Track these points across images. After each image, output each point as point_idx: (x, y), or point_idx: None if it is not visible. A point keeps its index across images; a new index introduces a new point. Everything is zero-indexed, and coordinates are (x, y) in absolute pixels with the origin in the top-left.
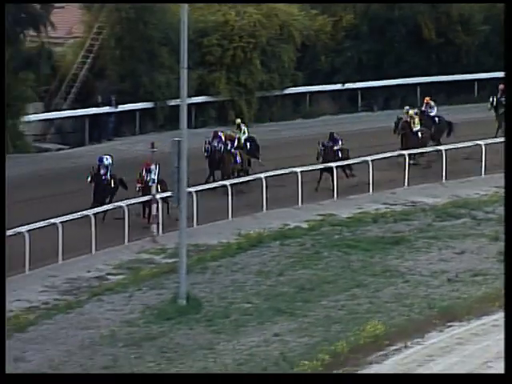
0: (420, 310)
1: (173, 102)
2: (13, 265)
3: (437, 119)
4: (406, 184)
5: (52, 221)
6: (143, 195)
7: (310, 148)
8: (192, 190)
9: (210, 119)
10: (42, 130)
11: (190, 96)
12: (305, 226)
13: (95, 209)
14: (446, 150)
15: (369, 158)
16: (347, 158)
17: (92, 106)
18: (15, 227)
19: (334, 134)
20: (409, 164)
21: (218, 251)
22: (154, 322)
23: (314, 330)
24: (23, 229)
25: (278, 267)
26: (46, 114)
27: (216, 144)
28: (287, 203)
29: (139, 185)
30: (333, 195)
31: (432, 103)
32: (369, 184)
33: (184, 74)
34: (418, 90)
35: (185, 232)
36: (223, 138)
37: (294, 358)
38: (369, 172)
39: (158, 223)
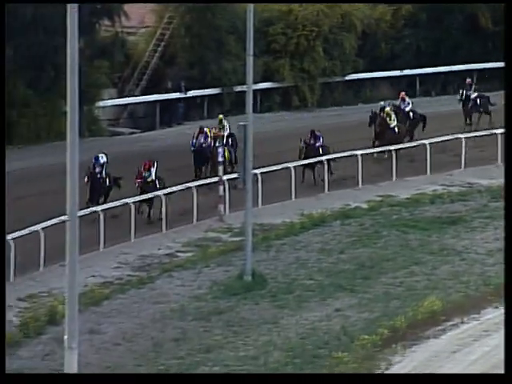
0: (476, 287)
1: (239, 88)
2: (88, 243)
3: (411, 114)
4: (462, 166)
5: (125, 200)
6: (142, 193)
7: (370, 131)
8: (257, 171)
9: (274, 104)
10: (115, 115)
11: (255, 82)
12: (365, 206)
13: (165, 190)
14: (500, 134)
15: (426, 142)
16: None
17: (162, 92)
18: (90, 207)
19: (316, 132)
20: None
21: (281, 230)
22: (221, 297)
23: (374, 305)
24: (98, 208)
25: (339, 245)
26: (119, 99)
27: (202, 140)
28: (348, 185)
29: (138, 180)
30: (391, 177)
31: (407, 98)
32: (426, 166)
33: (250, 61)
34: (475, 76)
35: (250, 212)
36: (209, 134)
37: (354, 332)
38: (426, 154)
39: (224, 203)
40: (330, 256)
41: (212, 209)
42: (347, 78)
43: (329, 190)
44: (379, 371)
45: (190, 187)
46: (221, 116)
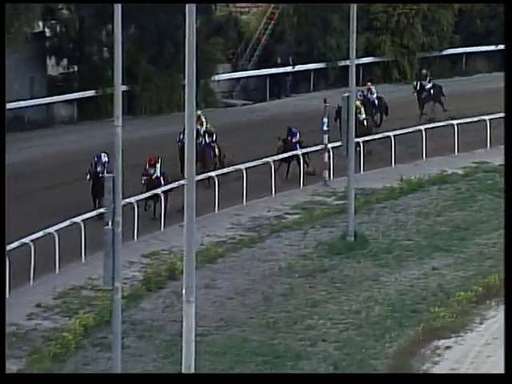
0: None
1: (343, 63)
2: (204, 206)
3: (376, 102)
4: None
5: (239, 167)
6: (148, 190)
7: (465, 103)
8: (359, 140)
9: (375, 77)
10: (229, 88)
11: (358, 57)
12: (460, 172)
13: (273, 157)
14: None
15: None
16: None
17: (272, 67)
18: (206, 172)
19: (292, 129)
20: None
21: (382, 194)
22: (326, 255)
23: (469, 264)
24: (213, 174)
25: (436, 209)
26: (232, 73)
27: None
28: (445, 152)
29: (144, 177)
30: (486, 145)
31: (372, 88)
32: None
33: (353, 37)
34: None
35: (353, 177)
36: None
37: (450, 290)
38: None
39: (329, 170)
40: (427, 218)
41: (317, 175)
42: (444, 52)
43: (426, 157)
44: (474, 325)
45: (297, 155)
46: (199, 112)
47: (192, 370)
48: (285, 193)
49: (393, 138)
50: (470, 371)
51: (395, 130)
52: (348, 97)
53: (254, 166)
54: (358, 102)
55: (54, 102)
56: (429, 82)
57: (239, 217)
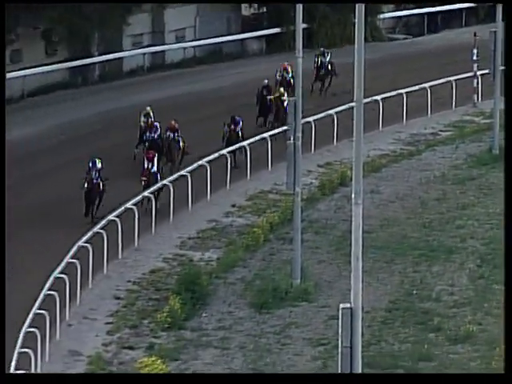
0: None
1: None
2: (370, 125)
3: (292, 81)
4: None
5: (400, 91)
6: (146, 187)
7: None
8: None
9: None
10: (392, 24)
11: None
12: None
13: (429, 83)
14: None
15: None
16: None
17: (429, 6)
18: (371, 96)
19: (236, 117)
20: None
21: None
22: (474, 166)
23: None
24: (378, 97)
25: None
26: (395, 12)
27: (153, 133)
28: None
29: (144, 178)
30: None
31: (288, 68)
32: None
33: None
34: None
35: (498, 99)
36: (159, 127)
37: None
38: None
39: (477, 93)
40: None
41: (467, 98)
42: None
43: None
44: None
45: (424, 87)
46: (148, 108)
47: (360, 261)
48: (439, 113)
49: None
50: None
51: None
52: (495, 32)
53: (414, 91)
54: (281, 89)
55: (246, 38)
56: (326, 57)
57: (400, 134)
